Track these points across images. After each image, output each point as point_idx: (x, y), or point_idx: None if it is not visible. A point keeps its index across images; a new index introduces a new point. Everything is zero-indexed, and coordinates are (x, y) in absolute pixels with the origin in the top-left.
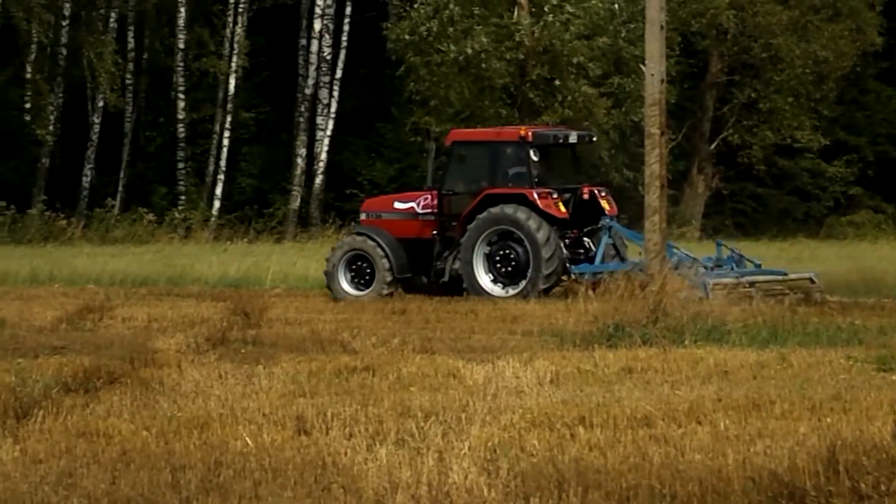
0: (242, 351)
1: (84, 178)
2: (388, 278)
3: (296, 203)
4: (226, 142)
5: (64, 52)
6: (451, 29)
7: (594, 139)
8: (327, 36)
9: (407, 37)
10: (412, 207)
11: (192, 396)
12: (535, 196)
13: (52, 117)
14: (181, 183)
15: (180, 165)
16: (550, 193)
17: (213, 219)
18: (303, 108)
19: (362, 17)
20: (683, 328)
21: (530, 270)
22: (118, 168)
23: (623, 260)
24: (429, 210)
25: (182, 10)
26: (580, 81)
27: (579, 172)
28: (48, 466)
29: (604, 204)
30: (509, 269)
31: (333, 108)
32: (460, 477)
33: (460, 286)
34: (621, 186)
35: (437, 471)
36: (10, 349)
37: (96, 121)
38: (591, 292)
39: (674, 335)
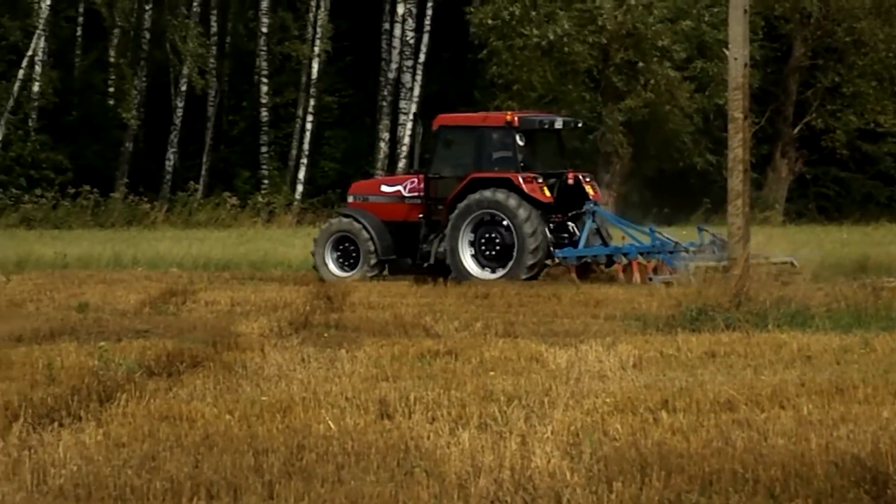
0: (325, 335)
1: (167, 162)
2: (373, 260)
3: None
4: (309, 126)
5: (147, 35)
6: (533, 13)
7: (579, 125)
8: (410, 20)
9: (490, 21)
10: (399, 191)
11: (274, 380)
12: (521, 180)
13: (135, 101)
14: (264, 167)
15: (263, 149)
16: (535, 178)
17: (296, 203)
18: (386, 92)
19: (445, 0)
20: (766, 312)
21: (514, 253)
22: (201, 152)
23: (606, 244)
24: (415, 193)
25: None
26: (663, 65)
27: (565, 158)
28: (131, 450)
29: (588, 189)
30: (494, 252)
31: (416, 92)
32: (543, 461)
33: (446, 268)
34: (704, 170)
35: (519, 455)
36: (94, 332)
37: (179, 104)
38: (573, 275)
39: (757, 319)
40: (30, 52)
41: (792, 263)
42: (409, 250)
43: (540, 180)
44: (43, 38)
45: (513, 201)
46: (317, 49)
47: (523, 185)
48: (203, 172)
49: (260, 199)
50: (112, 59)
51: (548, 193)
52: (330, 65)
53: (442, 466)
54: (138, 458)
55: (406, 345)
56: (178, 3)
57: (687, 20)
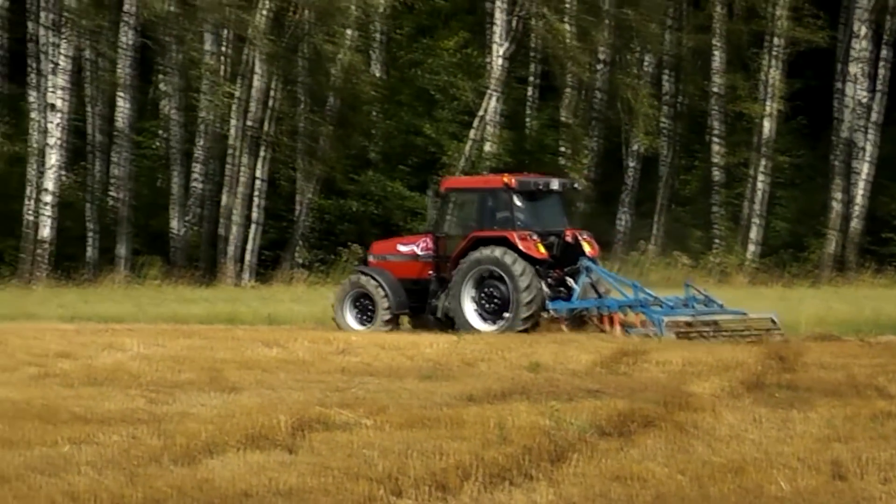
0: (777, 395)
1: (619, 222)
2: (387, 314)
3: (831, 247)
4: (761, 185)
5: (599, 95)
6: None
7: (577, 187)
8: (863, 79)
9: None
10: (413, 250)
11: (726, 440)
12: (516, 238)
13: (588, 160)
14: (716, 227)
15: (715, 209)
16: (531, 235)
17: (748, 263)
18: (838, 152)
19: None
20: None
21: (511, 307)
22: (653, 211)
23: (599, 297)
24: (427, 252)
25: (717, 53)
26: None
27: (565, 216)
28: None
29: (585, 246)
30: (493, 305)
31: (869, 153)
32: None
33: (453, 321)
34: None
35: None
36: (545, 392)
37: (632, 164)
38: (564, 327)
39: None
40: (481, 112)
41: (772, 320)
42: (422, 305)
43: (535, 238)
44: (495, 98)
45: (509, 258)
46: (770, 108)
47: (519, 243)
48: (655, 231)
49: (712, 258)
50: (564, 119)
51: (542, 250)
52: (783, 124)
53: None
54: None
55: (859, 405)
56: (631, 64)
57: None
